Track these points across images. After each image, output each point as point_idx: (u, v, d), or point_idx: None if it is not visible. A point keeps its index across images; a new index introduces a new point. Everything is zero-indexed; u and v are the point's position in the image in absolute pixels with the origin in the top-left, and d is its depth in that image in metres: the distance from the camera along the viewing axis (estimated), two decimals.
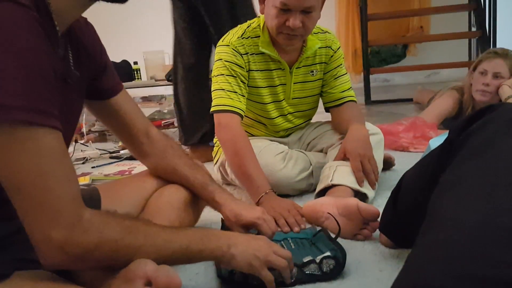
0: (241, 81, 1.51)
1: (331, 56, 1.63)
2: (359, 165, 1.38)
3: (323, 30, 1.63)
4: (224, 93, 1.48)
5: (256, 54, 1.54)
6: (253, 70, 1.54)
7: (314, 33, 1.58)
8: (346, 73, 1.68)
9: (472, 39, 4.70)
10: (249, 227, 1.09)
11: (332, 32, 1.66)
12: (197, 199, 1.14)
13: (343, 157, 1.44)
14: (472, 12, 4.41)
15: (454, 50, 4.89)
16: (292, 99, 1.63)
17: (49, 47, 0.68)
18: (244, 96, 1.52)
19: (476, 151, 0.66)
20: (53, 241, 0.65)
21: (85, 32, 0.91)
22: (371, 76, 4.14)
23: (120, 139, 1.11)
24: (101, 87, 0.98)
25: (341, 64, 1.65)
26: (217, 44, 1.57)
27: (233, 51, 1.51)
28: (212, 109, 1.50)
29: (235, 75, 1.50)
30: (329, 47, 1.62)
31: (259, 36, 1.53)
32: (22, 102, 0.63)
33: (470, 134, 0.70)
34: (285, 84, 1.60)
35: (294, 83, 1.60)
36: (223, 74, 1.50)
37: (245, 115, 1.53)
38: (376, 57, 5.59)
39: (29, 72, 0.64)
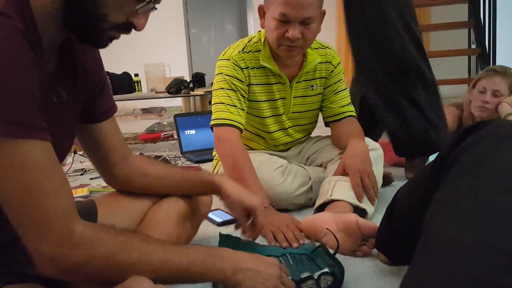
0: (241, 95, 1.51)
1: (331, 71, 1.63)
2: (358, 181, 1.38)
3: (323, 46, 1.64)
4: (224, 107, 1.48)
5: (256, 68, 1.54)
6: (253, 84, 1.55)
7: (314, 48, 1.59)
8: (346, 88, 1.68)
9: (471, 56, 4.71)
10: (248, 211, 1.06)
11: (333, 48, 1.67)
12: (195, 212, 1.13)
13: (343, 172, 1.43)
14: (471, 29, 4.43)
15: (453, 67, 4.90)
16: (292, 113, 1.63)
17: (34, 59, 0.66)
18: (244, 110, 1.52)
19: (469, 169, 0.66)
20: (43, 253, 0.65)
21: (88, 52, 0.90)
22: None
23: (96, 163, 1.02)
24: (95, 109, 0.95)
25: (341, 79, 1.66)
26: (218, 58, 1.57)
27: (234, 65, 1.52)
28: (211, 122, 1.50)
29: (235, 89, 1.50)
30: (329, 62, 1.63)
31: (260, 50, 1.54)
32: (6, 116, 0.61)
33: (462, 152, 0.70)
34: (285, 98, 1.60)
35: (294, 97, 1.61)
36: (223, 88, 1.51)
37: (244, 129, 1.53)
38: None
39: (12, 85, 0.62)
